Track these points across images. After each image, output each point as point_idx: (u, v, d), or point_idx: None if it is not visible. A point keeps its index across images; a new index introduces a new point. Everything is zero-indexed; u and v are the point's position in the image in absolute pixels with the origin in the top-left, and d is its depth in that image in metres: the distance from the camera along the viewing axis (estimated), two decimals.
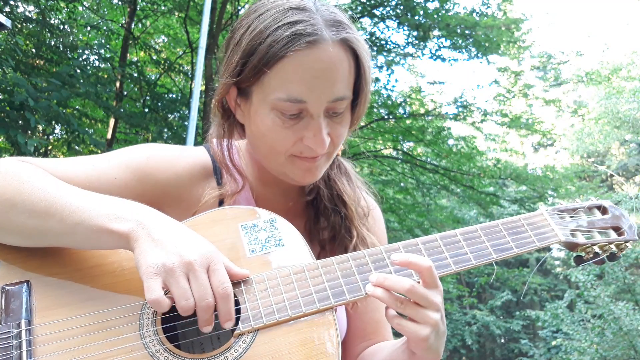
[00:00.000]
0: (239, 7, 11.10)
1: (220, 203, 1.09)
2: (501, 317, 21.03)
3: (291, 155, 1.01)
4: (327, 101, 0.97)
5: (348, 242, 1.10)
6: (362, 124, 12.56)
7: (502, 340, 22.11)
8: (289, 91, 0.95)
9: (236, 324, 0.88)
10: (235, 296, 0.87)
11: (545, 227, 1.07)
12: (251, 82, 0.99)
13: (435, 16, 10.96)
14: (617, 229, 1.10)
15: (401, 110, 12.31)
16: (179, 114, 10.82)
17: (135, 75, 10.72)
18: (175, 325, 0.89)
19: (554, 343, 16.18)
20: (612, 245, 1.08)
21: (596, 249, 1.08)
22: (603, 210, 1.13)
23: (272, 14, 0.96)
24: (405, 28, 11.58)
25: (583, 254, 1.09)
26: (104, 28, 11.13)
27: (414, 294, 0.87)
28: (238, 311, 0.88)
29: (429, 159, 12.96)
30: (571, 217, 1.11)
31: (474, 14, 11.37)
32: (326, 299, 0.91)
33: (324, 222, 1.14)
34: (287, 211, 1.14)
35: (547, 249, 1.07)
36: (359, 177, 1.24)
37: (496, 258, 1.00)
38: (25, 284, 0.88)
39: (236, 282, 0.89)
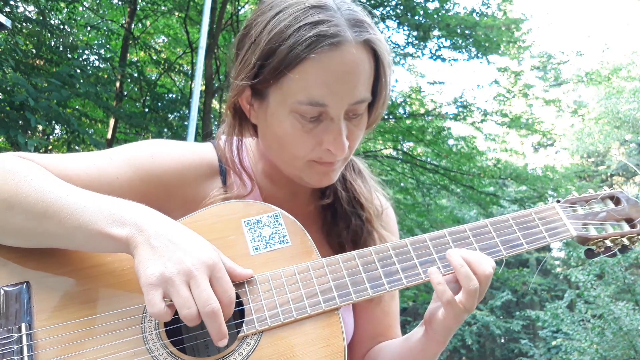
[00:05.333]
0: (239, 7, 11.09)
1: None
2: (501, 317, 21.01)
3: (310, 160, 0.99)
4: (348, 104, 0.94)
5: (372, 244, 1.07)
6: None
7: (502, 340, 22.09)
8: (310, 94, 0.92)
9: (240, 326, 0.86)
10: (239, 297, 0.86)
11: (557, 222, 1.03)
12: (268, 84, 0.96)
13: (435, 16, 10.94)
14: (630, 221, 1.06)
15: (401, 110, 12.30)
16: (179, 114, 10.81)
17: (135, 75, 10.70)
18: (179, 327, 0.89)
19: (554, 343, 16.18)
20: (624, 239, 1.04)
21: (608, 242, 1.03)
22: (616, 200, 1.09)
23: (292, 12, 0.92)
24: (405, 28, 11.57)
25: (594, 247, 1.05)
26: (104, 28, 11.11)
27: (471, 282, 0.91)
28: (242, 313, 0.87)
29: (429, 159, 12.95)
30: (583, 208, 1.07)
31: (474, 14, 11.36)
32: (332, 299, 0.89)
33: (343, 225, 1.11)
34: (297, 213, 1.11)
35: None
36: (372, 177, 1.22)
37: (505, 255, 0.98)
38: (25, 285, 0.86)
39: (240, 283, 0.87)
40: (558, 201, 1.08)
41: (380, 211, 1.15)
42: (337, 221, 1.12)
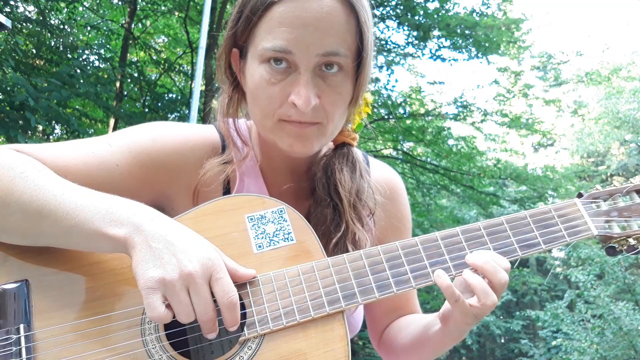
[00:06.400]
0: None
1: (226, 190, 1.05)
2: (501, 317, 20.99)
3: (280, 119, 0.95)
4: (316, 54, 0.90)
5: (332, 235, 1.02)
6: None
7: (502, 340, 22.08)
8: (275, 39, 0.89)
9: (242, 329, 0.84)
10: (240, 299, 0.84)
11: (577, 220, 0.97)
12: (246, 37, 0.95)
13: (435, 16, 10.96)
14: None
15: (401, 110, 12.32)
16: (179, 114, 10.80)
17: (135, 75, 10.70)
18: (182, 329, 0.87)
19: (554, 343, 16.14)
20: None
21: (631, 240, 0.97)
22: None
23: None
24: (405, 28, 11.58)
25: (616, 245, 0.98)
26: (104, 28, 11.11)
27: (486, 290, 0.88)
28: (244, 315, 0.85)
29: (429, 159, 12.96)
30: (607, 203, 1.01)
31: (474, 14, 11.38)
32: (336, 301, 0.87)
33: (320, 212, 1.06)
34: (294, 193, 1.09)
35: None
36: (378, 165, 1.18)
37: (521, 255, 0.93)
38: (24, 283, 0.84)
39: (242, 284, 0.85)
40: (580, 195, 1.03)
41: (372, 208, 1.09)
42: (317, 208, 1.07)
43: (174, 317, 0.78)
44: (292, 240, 0.92)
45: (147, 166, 0.98)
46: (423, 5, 11.10)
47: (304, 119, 0.93)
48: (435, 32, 11.48)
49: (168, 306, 0.77)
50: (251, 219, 0.93)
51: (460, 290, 0.89)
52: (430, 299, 15.07)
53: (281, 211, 0.94)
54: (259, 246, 0.91)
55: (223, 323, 0.80)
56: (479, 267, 0.89)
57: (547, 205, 0.99)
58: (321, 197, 1.06)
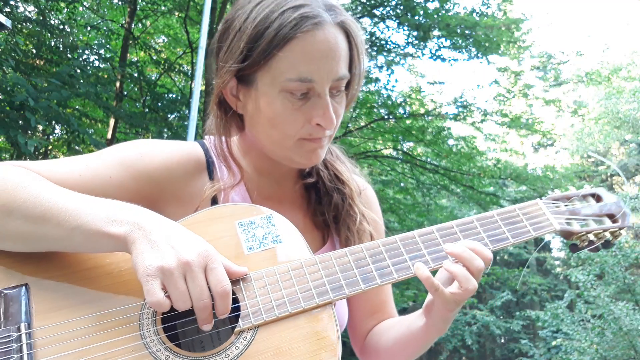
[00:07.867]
0: None
1: (214, 200, 1.10)
2: (501, 317, 21.02)
3: (300, 139, 1.04)
4: (332, 79, 1.01)
5: (352, 220, 1.16)
6: (362, 124, 12.63)
7: (502, 340, 22.12)
8: (299, 71, 0.98)
9: (236, 321, 0.88)
10: (234, 294, 0.88)
11: (540, 217, 1.07)
12: (256, 68, 1.01)
13: (435, 16, 10.97)
14: (612, 217, 1.11)
15: (401, 110, 12.33)
16: (179, 114, 10.82)
17: (135, 75, 10.72)
18: (175, 324, 0.89)
19: (554, 343, 16.17)
20: (606, 233, 1.09)
21: (591, 236, 1.08)
22: (597, 198, 1.14)
23: (273, 0, 1.00)
24: (405, 28, 11.60)
25: (578, 242, 1.09)
26: (104, 28, 11.13)
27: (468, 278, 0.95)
28: (238, 309, 0.89)
29: (429, 159, 12.97)
30: (566, 205, 1.12)
31: (474, 14, 11.38)
32: (325, 293, 0.92)
33: (326, 201, 1.18)
34: (283, 199, 1.17)
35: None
36: (350, 160, 1.29)
37: (492, 249, 1.01)
38: (24, 287, 0.88)
39: (235, 280, 0.89)
40: (540, 198, 1.12)
41: (359, 191, 1.22)
42: (320, 199, 1.20)
43: (172, 309, 0.81)
44: (280, 242, 0.98)
45: (137, 179, 1.04)
46: (423, 5, 11.12)
47: (323, 135, 1.05)
48: (435, 32, 11.49)
49: (167, 296, 0.81)
50: (241, 225, 0.99)
51: (442, 281, 0.96)
52: None
53: (269, 217, 1.00)
54: (250, 248, 0.97)
55: (215, 312, 0.84)
56: (457, 255, 0.97)
57: (512, 206, 1.09)
58: (328, 188, 1.18)
